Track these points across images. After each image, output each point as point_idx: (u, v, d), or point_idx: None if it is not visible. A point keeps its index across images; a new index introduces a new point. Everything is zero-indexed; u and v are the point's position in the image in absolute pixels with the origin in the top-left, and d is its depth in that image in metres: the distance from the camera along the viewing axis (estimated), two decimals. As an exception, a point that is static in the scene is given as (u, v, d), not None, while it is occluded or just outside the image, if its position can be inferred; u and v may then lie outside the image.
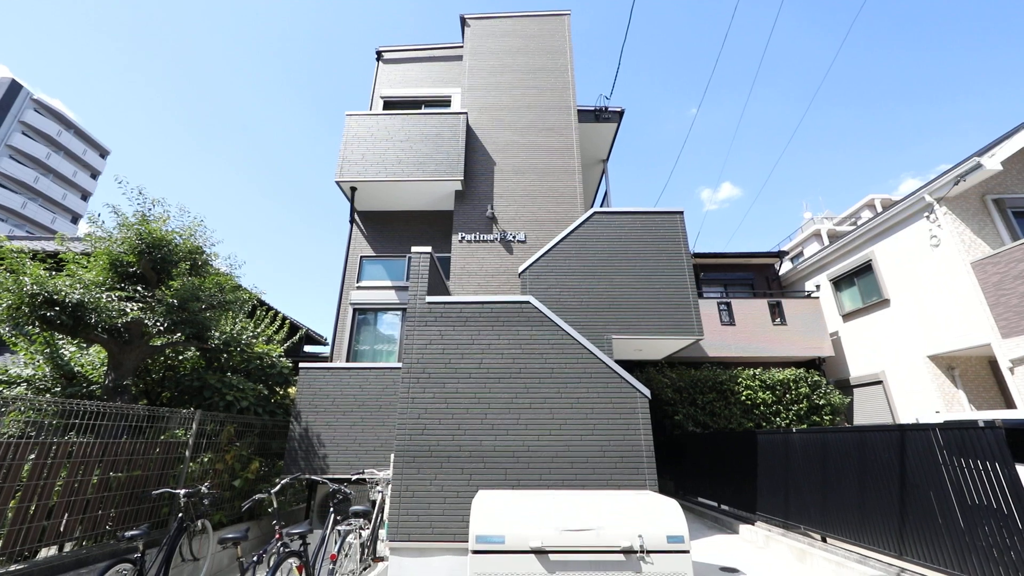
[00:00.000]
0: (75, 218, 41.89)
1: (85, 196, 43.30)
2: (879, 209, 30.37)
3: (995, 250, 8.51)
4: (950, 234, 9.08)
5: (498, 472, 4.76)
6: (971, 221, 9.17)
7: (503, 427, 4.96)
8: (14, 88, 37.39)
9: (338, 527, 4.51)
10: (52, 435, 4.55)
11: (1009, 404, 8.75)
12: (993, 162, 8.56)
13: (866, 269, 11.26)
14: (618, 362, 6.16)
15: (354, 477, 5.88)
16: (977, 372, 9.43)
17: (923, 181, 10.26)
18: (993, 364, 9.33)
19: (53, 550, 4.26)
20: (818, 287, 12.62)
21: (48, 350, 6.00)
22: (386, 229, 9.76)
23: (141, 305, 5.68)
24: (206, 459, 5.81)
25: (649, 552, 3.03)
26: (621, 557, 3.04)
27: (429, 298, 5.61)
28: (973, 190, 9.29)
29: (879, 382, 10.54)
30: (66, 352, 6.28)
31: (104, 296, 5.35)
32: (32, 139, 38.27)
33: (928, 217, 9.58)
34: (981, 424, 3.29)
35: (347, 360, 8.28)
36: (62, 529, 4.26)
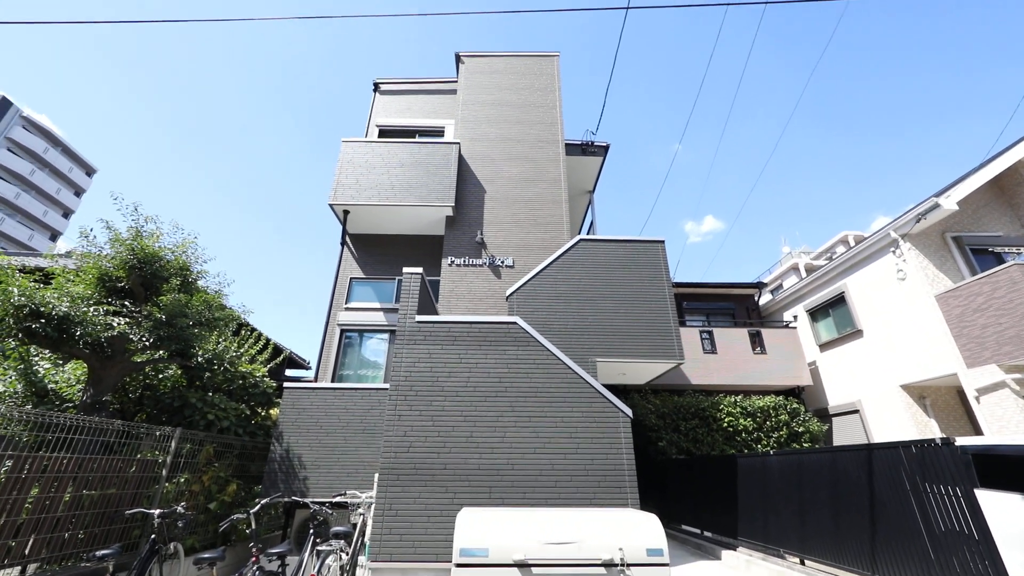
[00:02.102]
0: (54, 235, 41.04)
1: (67, 214, 42.62)
2: (852, 244, 31.70)
3: (956, 284, 9.02)
4: (915, 268, 9.60)
5: (482, 490, 4.77)
6: (933, 256, 9.73)
7: (488, 445, 5.00)
8: (3, 104, 37.31)
9: (318, 548, 4.43)
10: (24, 449, 4.44)
11: (978, 432, 9.05)
12: (949, 202, 9.20)
13: (840, 301, 11.73)
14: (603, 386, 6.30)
15: (335, 499, 5.78)
16: (947, 401, 9.77)
17: (892, 218, 10.90)
18: (961, 393, 9.69)
19: (15, 572, 4.09)
20: (795, 318, 13.05)
21: (22, 366, 5.87)
22: (376, 252, 9.92)
23: (128, 320, 5.66)
24: (183, 479, 5.67)
25: (629, 565, 3.09)
26: (602, 570, 3.08)
27: (419, 317, 5.72)
28: (934, 228, 9.90)
29: (856, 411, 10.80)
30: (40, 368, 6.15)
31: (91, 310, 5.34)
32: (17, 155, 37.91)
33: (894, 252, 10.13)
34: (938, 441, 3.50)
35: (331, 383, 8.23)
36: (27, 551, 4.10)
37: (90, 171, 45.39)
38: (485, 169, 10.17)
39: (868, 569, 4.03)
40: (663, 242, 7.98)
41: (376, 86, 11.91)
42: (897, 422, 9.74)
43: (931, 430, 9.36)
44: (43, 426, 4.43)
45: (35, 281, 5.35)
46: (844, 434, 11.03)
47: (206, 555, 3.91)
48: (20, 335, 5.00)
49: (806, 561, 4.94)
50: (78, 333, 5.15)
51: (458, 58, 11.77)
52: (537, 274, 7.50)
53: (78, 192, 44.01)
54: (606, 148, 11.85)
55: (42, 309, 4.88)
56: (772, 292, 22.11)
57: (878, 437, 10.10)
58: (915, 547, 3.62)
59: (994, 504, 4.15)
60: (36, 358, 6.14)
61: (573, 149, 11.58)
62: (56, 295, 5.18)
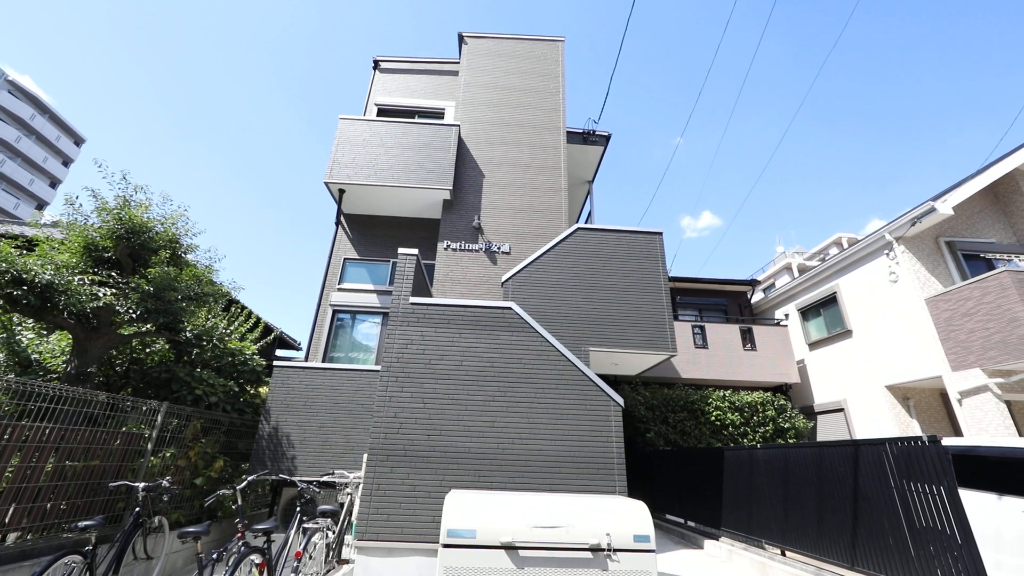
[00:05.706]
0: (41, 205, 40.09)
1: (54, 183, 41.61)
2: (845, 246, 31.94)
3: (946, 288, 9.11)
4: (907, 271, 9.68)
5: (471, 473, 4.78)
6: (926, 260, 9.80)
7: (478, 429, 5.00)
8: (-12, 68, 36.06)
9: (304, 525, 4.43)
10: (4, 418, 4.35)
11: (958, 433, 9.23)
12: (945, 207, 9.24)
13: (831, 301, 11.83)
14: (594, 374, 6.30)
15: (323, 478, 5.77)
16: (929, 403, 9.95)
17: (887, 221, 10.94)
18: (944, 396, 9.87)
19: (-5, 540, 4.03)
20: (787, 316, 13.15)
21: (4, 335, 5.74)
22: (371, 233, 9.79)
23: (114, 291, 5.53)
24: (168, 454, 5.61)
25: (616, 550, 3.11)
26: (589, 554, 3.10)
27: (413, 299, 5.66)
28: (928, 232, 9.96)
29: (840, 410, 10.97)
30: (23, 338, 6.02)
31: (76, 279, 5.20)
32: (3, 121, 36.81)
33: (888, 254, 10.19)
34: (924, 439, 3.54)
35: (322, 363, 8.17)
36: (7, 520, 4.04)
37: (79, 140, 44.25)
38: (484, 153, 10.03)
39: (848, 561, 4.10)
40: (661, 234, 7.94)
41: (376, 64, 11.63)
42: (880, 422, 9.91)
43: (913, 430, 9.54)
44: (25, 395, 4.33)
45: (17, 247, 5.20)
46: (828, 432, 11.21)
47: (191, 529, 3.88)
48: (1, 301, 4.87)
49: (787, 552, 5.03)
50: (62, 302, 5.02)
51: (461, 38, 11.51)
52: (534, 261, 7.44)
53: (66, 162, 42.94)
54: (607, 137, 11.73)
55: (24, 275, 4.74)
56: (765, 290, 22.25)
57: (861, 436, 10.27)
58: (896, 542, 3.68)
59: (971, 503, 4.23)
60: (19, 328, 6.01)
61: (574, 137, 11.44)
62: (40, 263, 5.04)
